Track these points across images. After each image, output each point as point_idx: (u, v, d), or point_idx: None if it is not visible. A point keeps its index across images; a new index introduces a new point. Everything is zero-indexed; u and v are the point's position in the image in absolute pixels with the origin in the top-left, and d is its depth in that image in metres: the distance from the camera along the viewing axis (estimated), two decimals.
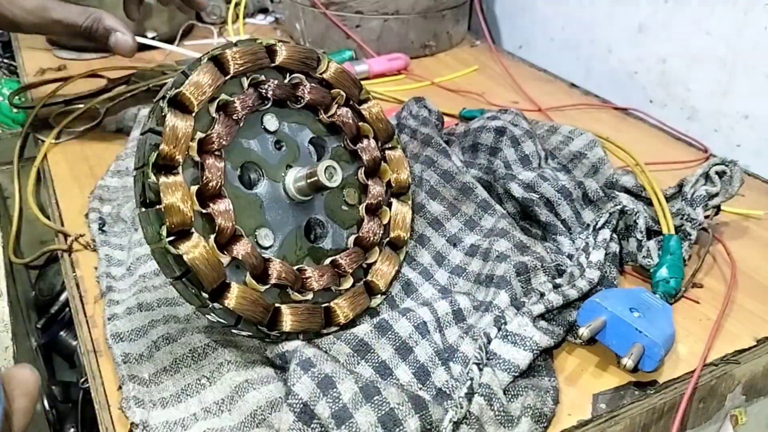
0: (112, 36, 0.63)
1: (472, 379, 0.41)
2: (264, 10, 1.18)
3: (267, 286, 0.44)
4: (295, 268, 0.46)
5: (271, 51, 0.48)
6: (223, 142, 0.44)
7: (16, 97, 0.89)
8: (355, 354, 0.45)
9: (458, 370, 0.44)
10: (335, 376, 0.41)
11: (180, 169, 0.42)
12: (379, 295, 0.51)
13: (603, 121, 0.83)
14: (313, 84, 0.50)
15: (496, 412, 0.41)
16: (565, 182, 0.57)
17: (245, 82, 0.46)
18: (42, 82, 0.90)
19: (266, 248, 0.46)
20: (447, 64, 0.99)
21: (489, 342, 0.45)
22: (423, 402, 0.40)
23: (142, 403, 0.43)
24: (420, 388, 0.43)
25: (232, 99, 0.45)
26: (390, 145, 0.55)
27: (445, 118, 0.72)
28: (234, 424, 0.41)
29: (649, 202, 0.58)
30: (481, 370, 0.42)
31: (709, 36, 0.77)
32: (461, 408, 0.40)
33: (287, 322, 0.45)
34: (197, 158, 0.43)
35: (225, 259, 0.42)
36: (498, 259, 0.51)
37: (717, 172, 0.56)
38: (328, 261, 0.49)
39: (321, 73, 0.50)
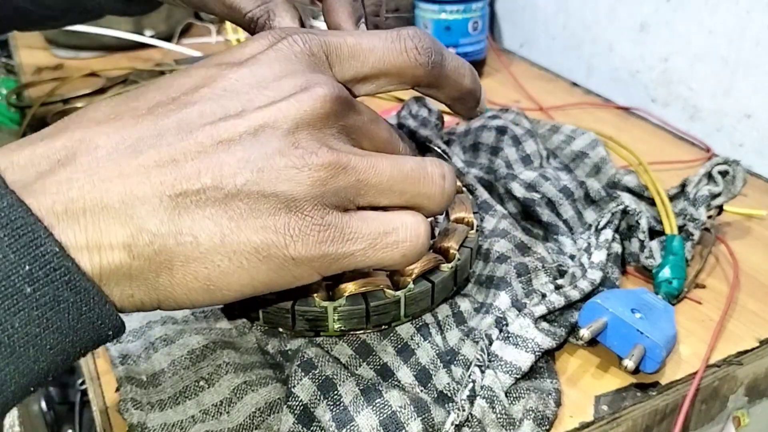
0: None
1: (474, 381, 0.41)
2: None
3: None
4: None
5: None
6: None
7: (14, 97, 0.88)
8: (357, 356, 0.44)
9: (460, 373, 0.44)
10: (336, 378, 0.40)
11: None
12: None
13: (604, 120, 0.82)
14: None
15: (498, 415, 0.40)
16: (567, 182, 0.57)
17: None
18: (40, 82, 0.90)
19: None
20: None
21: (490, 344, 0.44)
22: (425, 405, 0.39)
23: (140, 405, 0.42)
24: (421, 391, 0.43)
25: None
26: None
27: (446, 117, 0.71)
28: (233, 426, 0.40)
29: (651, 202, 0.58)
30: (483, 372, 0.42)
31: (712, 35, 0.76)
32: (463, 411, 0.39)
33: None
34: None
35: None
36: (498, 260, 0.51)
37: (720, 172, 0.56)
38: None
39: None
